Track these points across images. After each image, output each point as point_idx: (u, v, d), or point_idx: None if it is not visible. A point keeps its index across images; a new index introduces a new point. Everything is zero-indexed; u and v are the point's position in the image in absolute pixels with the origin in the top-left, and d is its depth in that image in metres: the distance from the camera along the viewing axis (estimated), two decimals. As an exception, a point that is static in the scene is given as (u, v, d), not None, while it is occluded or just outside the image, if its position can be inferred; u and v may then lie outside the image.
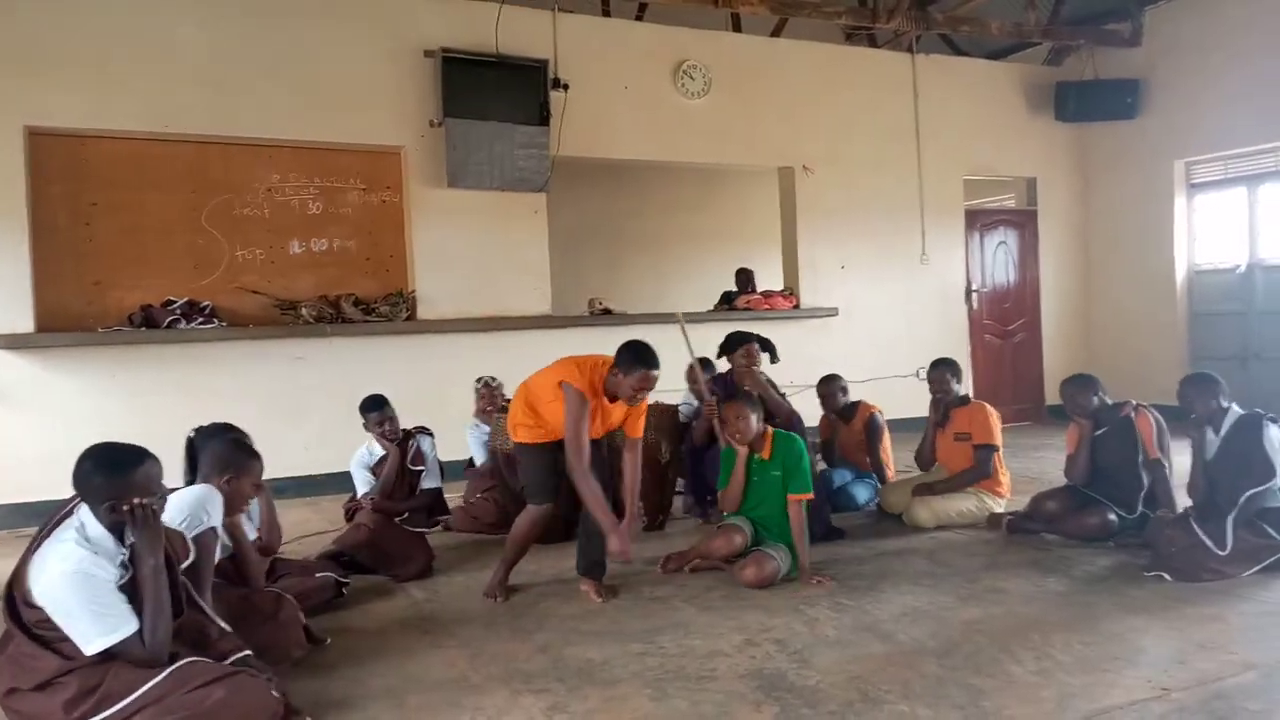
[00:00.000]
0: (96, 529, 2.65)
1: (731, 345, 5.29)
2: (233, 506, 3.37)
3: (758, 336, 5.42)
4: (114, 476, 2.65)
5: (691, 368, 5.28)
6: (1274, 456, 3.95)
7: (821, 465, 5.82)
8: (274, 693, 2.71)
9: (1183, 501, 4.43)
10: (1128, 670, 2.98)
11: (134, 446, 2.78)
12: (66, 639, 2.55)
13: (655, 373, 3.89)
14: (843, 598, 3.89)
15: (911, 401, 5.56)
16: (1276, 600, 3.63)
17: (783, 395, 5.26)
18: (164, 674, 2.59)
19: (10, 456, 5.88)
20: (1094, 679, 2.92)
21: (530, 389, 4.07)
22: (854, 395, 5.89)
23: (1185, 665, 3.01)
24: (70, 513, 2.70)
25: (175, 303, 6.29)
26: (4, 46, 5.92)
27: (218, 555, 3.23)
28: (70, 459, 2.70)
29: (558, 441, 3.92)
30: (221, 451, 3.40)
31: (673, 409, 5.52)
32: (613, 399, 3.98)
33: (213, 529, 3.13)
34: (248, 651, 2.85)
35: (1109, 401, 4.70)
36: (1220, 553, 3.90)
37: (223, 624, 2.93)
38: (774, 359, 5.47)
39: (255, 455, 3.56)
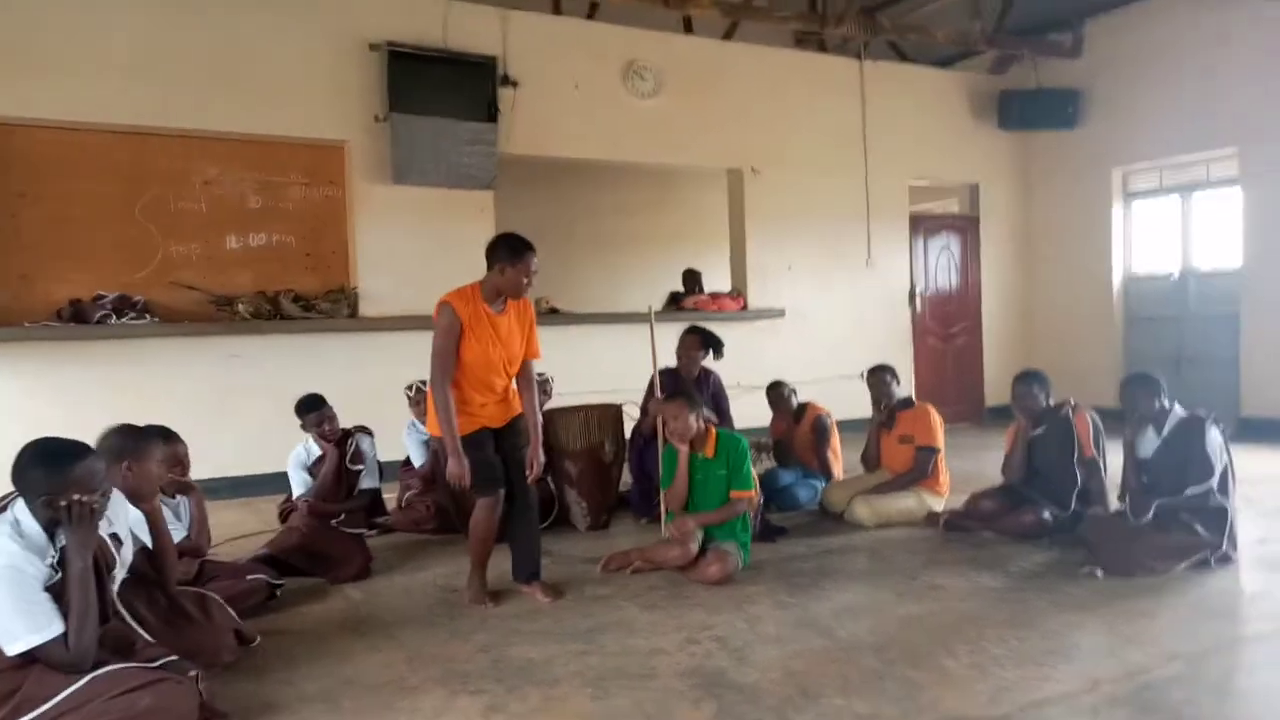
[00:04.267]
0: (31, 525, 2.57)
1: (680, 340, 5.38)
2: (142, 492, 3.17)
3: (704, 332, 5.45)
4: (53, 471, 2.57)
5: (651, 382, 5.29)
6: (1213, 458, 4.05)
7: (770, 464, 5.87)
8: (200, 694, 2.63)
9: (1114, 501, 4.53)
10: (1061, 664, 3.03)
11: (77, 442, 2.70)
12: (-15, 641, 2.45)
13: (536, 257, 3.82)
14: (784, 595, 3.90)
15: (860, 402, 5.61)
16: (1202, 595, 3.73)
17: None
18: (87, 679, 2.52)
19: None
20: (1028, 672, 2.96)
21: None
22: (803, 396, 5.94)
23: (1116, 658, 3.07)
24: (4, 508, 2.61)
25: (106, 297, 6.10)
26: (-74, 30, 5.70)
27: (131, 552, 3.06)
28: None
29: (485, 429, 3.86)
30: (114, 441, 3.20)
31: (616, 408, 5.50)
32: (501, 302, 3.85)
33: (114, 534, 2.99)
34: (174, 656, 2.76)
35: (1051, 402, 4.79)
36: (1135, 520, 4.02)
37: (146, 635, 2.83)
38: (718, 355, 5.50)
39: (152, 436, 3.37)
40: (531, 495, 4.08)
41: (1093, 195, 9.32)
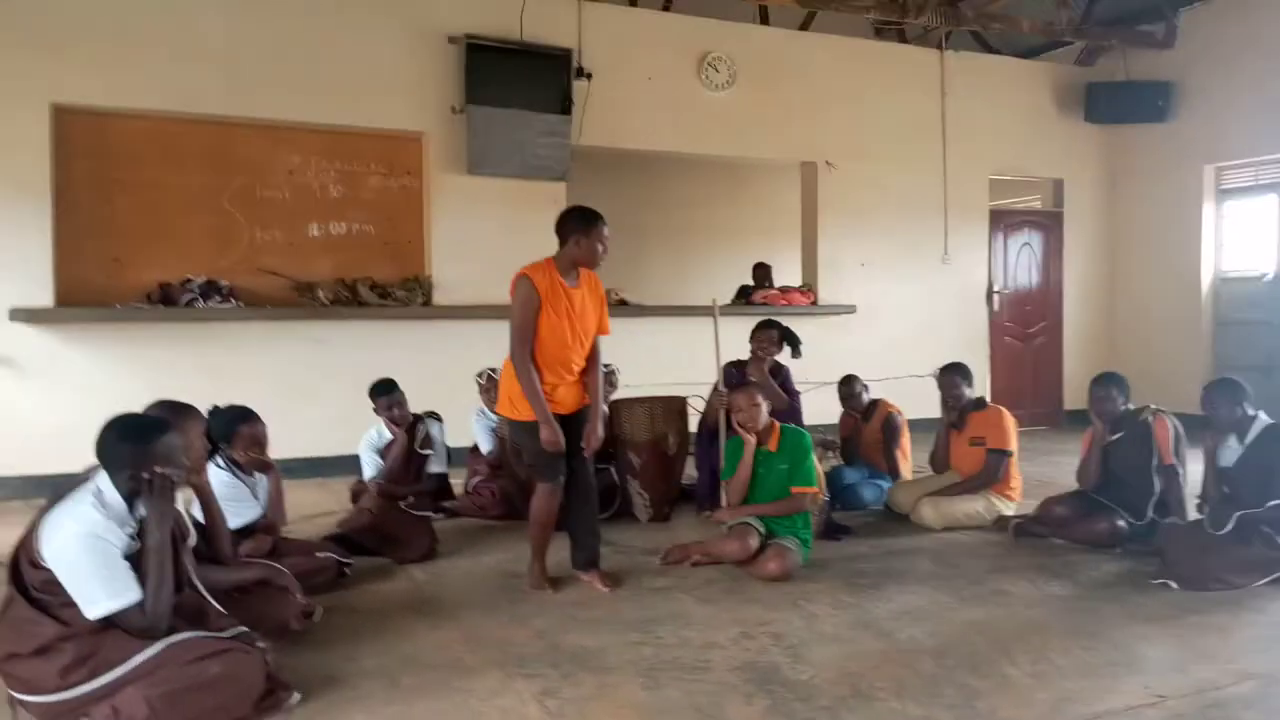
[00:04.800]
0: (113, 496, 2.69)
1: (755, 331, 5.36)
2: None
3: (782, 328, 5.41)
4: (137, 445, 2.70)
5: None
6: None
7: (837, 462, 5.82)
8: (267, 664, 2.74)
9: (1193, 511, 4.37)
10: (1126, 676, 2.94)
11: (159, 418, 2.85)
12: (66, 604, 2.58)
13: (608, 227, 3.89)
14: (843, 595, 3.87)
15: (931, 402, 5.51)
16: (1284, 612, 3.58)
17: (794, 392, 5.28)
18: (161, 645, 2.63)
19: (25, 429, 5.96)
20: (1091, 683, 2.89)
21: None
22: (873, 394, 5.86)
23: (1184, 673, 2.97)
24: (88, 479, 2.75)
25: (193, 281, 6.36)
26: (31, 23, 6.00)
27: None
28: (84, 434, 2.76)
29: (554, 415, 3.84)
30: (157, 413, 3.17)
31: (680, 400, 5.51)
32: (575, 275, 3.90)
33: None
34: (243, 628, 2.88)
35: (1130, 407, 4.64)
36: (1214, 532, 3.88)
37: (218, 606, 2.95)
38: (795, 353, 5.46)
39: (194, 411, 3.43)
40: (592, 483, 4.10)
41: (1183, 192, 8.96)
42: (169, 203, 6.47)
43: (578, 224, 3.87)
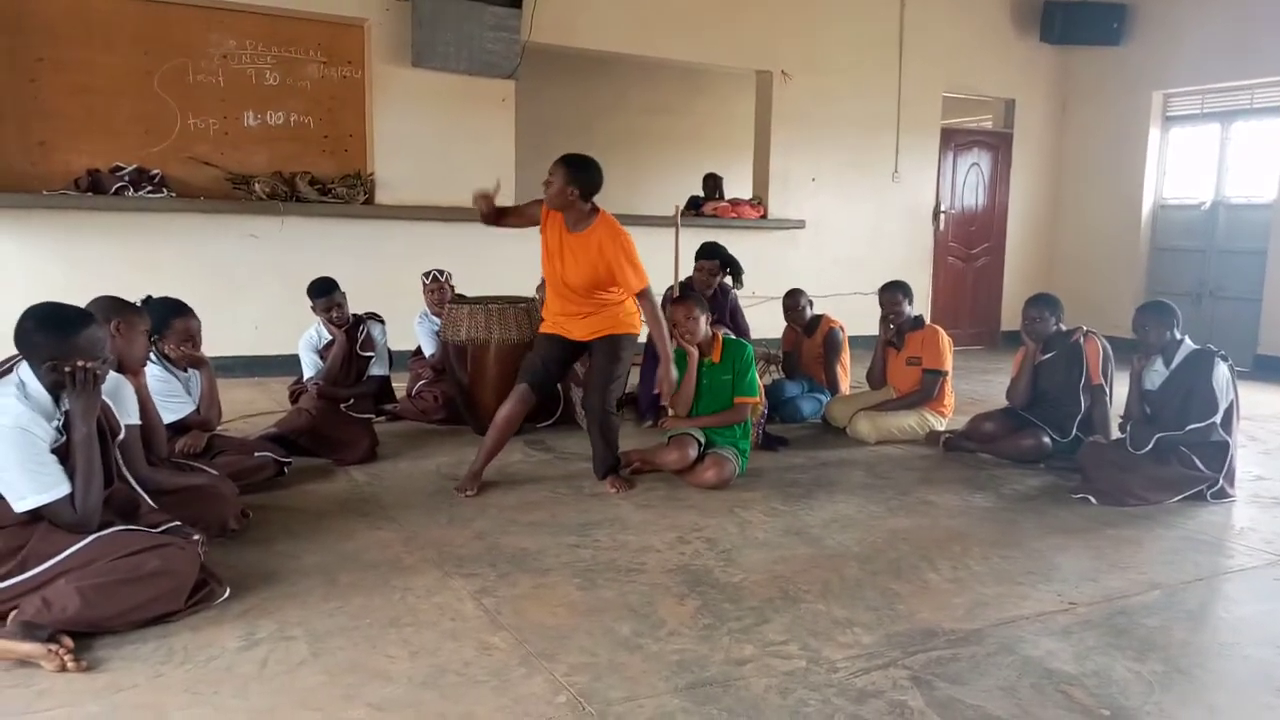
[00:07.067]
0: (36, 387, 2.61)
1: (697, 256, 5.36)
2: (129, 361, 3.25)
3: (724, 255, 5.42)
4: (57, 336, 2.61)
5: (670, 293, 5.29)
6: (1219, 395, 4.02)
7: (778, 375, 5.90)
8: (201, 559, 2.73)
9: (1116, 431, 4.54)
10: (1040, 584, 3.09)
11: (80, 309, 2.75)
12: (-8, 498, 2.53)
13: (551, 169, 3.91)
14: (777, 503, 3.97)
15: (872, 320, 5.58)
16: (1192, 528, 3.76)
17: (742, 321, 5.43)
18: (92, 538, 2.59)
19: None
20: (1006, 590, 3.02)
21: None
22: (817, 309, 5.92)
23: (1095, 582, 3.12)
24: (10, 370, 2.66)
25: (124, 169, 6.10)
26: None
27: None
28: (6, 322, 2.65)
29: (556, 335, 4.08)
30: (103, 306, 3.23)
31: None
32: (585, 221, 3.93)
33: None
34: (177, 522, 2.86)
35: (1063, 328, 4.75)
36: (1134, 451, 4.06)
37: (149, 500, 2.92)
38: (737, 282, 5.47)
39: (140, 309, 3.42)
40: (597, 405, 4.10)
41: (1130, 118, 9.05)
42: (97, 85, 6.14)
43: (581, 177, 3.92)
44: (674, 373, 4.11)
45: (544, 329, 4.17)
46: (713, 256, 5.48)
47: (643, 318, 4.11)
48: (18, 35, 5.91)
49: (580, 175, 3.86)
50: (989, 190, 9.73)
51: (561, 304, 4.07)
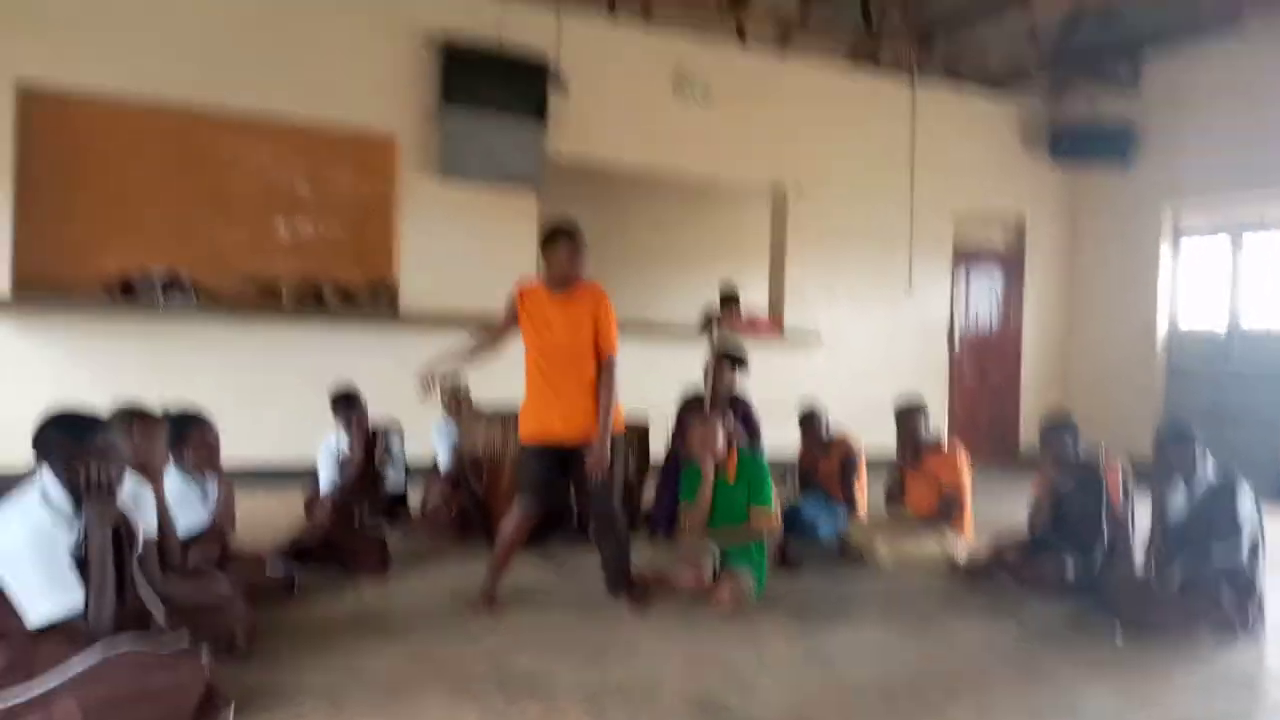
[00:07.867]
0: (57, 493, 2.64)
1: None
2: (147, 468, 3.31)
3: (731, 356, 5.47)
4: (73, 438, 2.65)
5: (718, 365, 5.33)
6: (1243, 522, 3.95)
7: (790, 496, 5.84)
8: (206, 675, 2.69)
9: (1140, 558, 4.44)
10: (1066, 719, 2.99)
11: (96, 415, 2.80)
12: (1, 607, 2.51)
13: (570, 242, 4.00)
14: (795, 629, 3.88)
15: (889, 432, 5.56)
16: (1221, 665, 3.64)
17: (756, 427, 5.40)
18: (100, 660, 2.56)
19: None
20: (1032, 729, 2.92)
21: None
22: (832, 419, 5.90)
23: (1123, 719, 3.02)
24: (34, 477, 2.69)
25: (155, 273, 6.24)
26: (-1, 2, 5.87)
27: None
28: (29, 424, 2.71)
29: (548, 446, 3.92)
30: (122, 415, 3.33)
31: (643, 429, 5.50)
32: (566, 288, 3.96)
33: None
34: (185, 636, 2.82)
35: (1081, 453, 4.70)
36: (1159, 582, 3.97)
37: (160, 620, 2.89)
38: (743, 369, 5.51)
39: (152, 419, 3.46)
40: (605, 513, 4.04)
41: (1141, 234, 9.14)
42: (132, 192, 6.35)
43: (542, 241, 4.07)
44: (607, 454, 3.89)
45: (527, 440, 3.97)
46: (722, 359, 5.50)
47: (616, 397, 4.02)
48: (60, 144, 6.13)
49: (583, 238, 4.03)
50: (1003, 308, 9.81)
51: (544, 382, 3.92)
